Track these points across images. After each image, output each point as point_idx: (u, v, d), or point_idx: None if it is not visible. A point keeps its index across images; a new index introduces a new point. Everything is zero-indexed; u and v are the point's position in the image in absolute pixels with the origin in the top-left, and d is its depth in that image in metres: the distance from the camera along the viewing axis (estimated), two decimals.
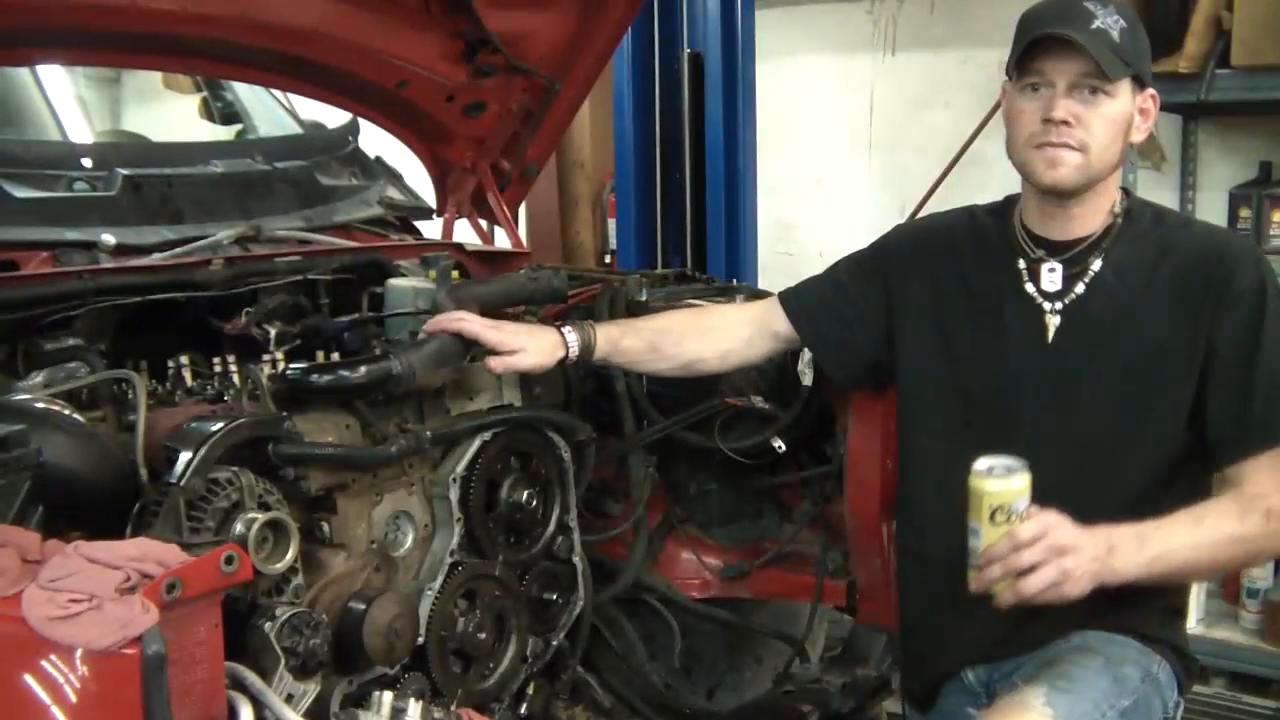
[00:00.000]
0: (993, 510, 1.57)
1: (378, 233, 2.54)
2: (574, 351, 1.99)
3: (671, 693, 2.52)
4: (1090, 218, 1.82)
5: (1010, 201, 1.94)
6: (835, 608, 2.44)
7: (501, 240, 2.81)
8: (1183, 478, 1.81)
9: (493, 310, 2.13)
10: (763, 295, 2.55)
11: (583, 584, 2.23)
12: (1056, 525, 1.58)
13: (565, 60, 2.58)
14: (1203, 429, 1.76)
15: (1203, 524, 1.67)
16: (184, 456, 1.50)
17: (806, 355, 2.22)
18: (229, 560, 1.27)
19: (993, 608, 1.81)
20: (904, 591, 2.08)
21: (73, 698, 1.13)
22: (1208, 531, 1.66)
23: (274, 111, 2.90)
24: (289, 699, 1.48)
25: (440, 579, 1.93)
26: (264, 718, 1.35)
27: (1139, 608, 1.81)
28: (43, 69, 2.57)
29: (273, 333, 1.92)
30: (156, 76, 4.74)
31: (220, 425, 1.56)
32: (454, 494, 1.96)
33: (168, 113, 4.91)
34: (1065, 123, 1.71)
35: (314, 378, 1.80)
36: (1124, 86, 1.74)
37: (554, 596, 2.19)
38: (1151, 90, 1.80)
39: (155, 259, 2.01)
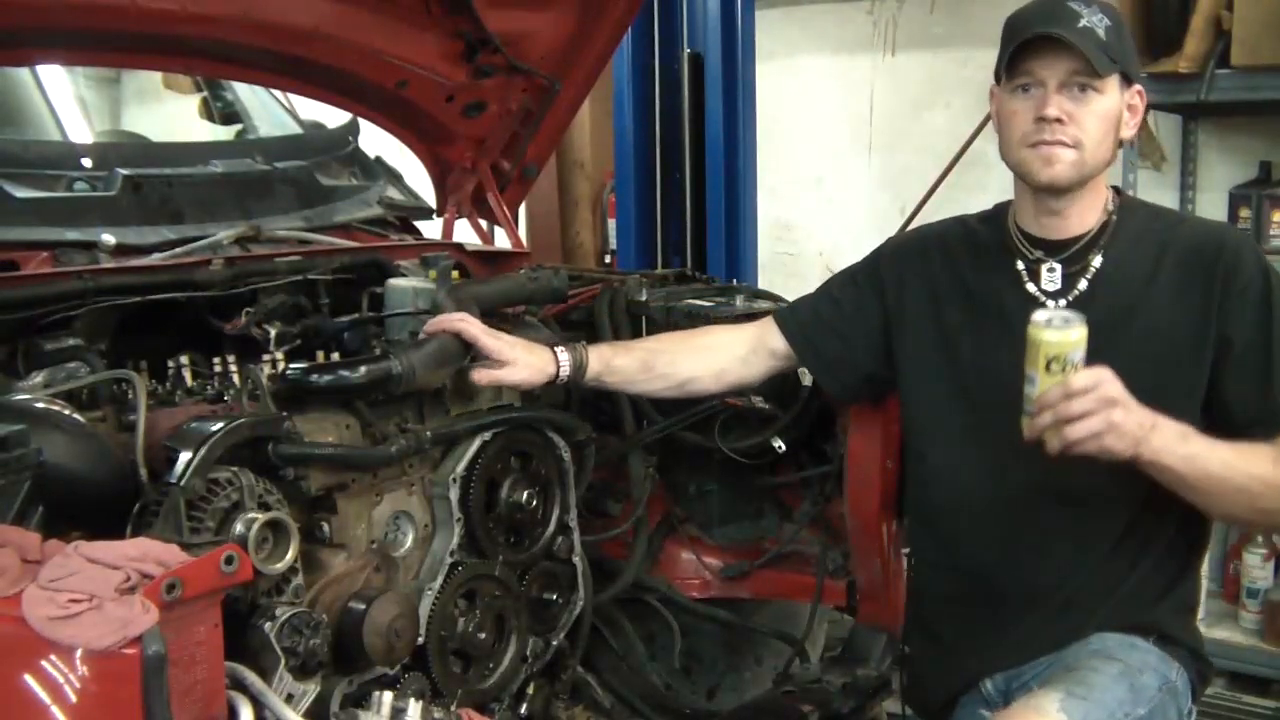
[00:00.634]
0: (1049, 360, 1.60)
1: (378, 233, 2.54)
2: (565, 371, 1.98)
3: (671, 693, 2.52)
4: (1085, 215, 1.83)
5: (1002, 208, 1.95)
6: (835, 608, 2.44)
7: (501, 240, 2.81)
8: None
9: (493, 310, 2.13)
10: (763, 294, 2.56)
11: (583, 584, 2.23)
12: (1109, 379, 1.59)
13: (565, 60, 2.58)
14: (1216, 417, 1.76)
15: (1240, 453, 1.68)
16: (184, 456, 1.50)
17: None
18: (229, 560, 1.27)
19: (1013, 612, 1.82)
20: (920, 603, 2.08)
21: (73, 698, 1.13)
22: (1243, 461, 1.67)
23: (274, 111, 2.90)
24: (289, 699, 1.48)
25: (440, 579, 1.93)
26: (264, 718, 1.36)
27: (1155, 604, 1.82)
28: (43, 69, 2.57)
29: (273, 333, 1.92)
30: (156, 76, 4.75)
31: (220, 425, 1.56)
32: (454, 494, 1.96)
33: (168, 113, 4.92)
34: (1058, 120, 1.73)
35: (314, 378, 1.80)
36: (1112, 83, 1.76)
37: (554, 596, 2.19)
38: (1138, 87, 1.82)
39: (155, 259, 2.01)
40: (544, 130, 2.73)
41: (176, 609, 1.19)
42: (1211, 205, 3.92)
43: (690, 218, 4.20)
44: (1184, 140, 4.03)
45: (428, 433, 1.90)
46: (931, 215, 3.75)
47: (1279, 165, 3.86)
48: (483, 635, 1.99)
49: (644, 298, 2.42)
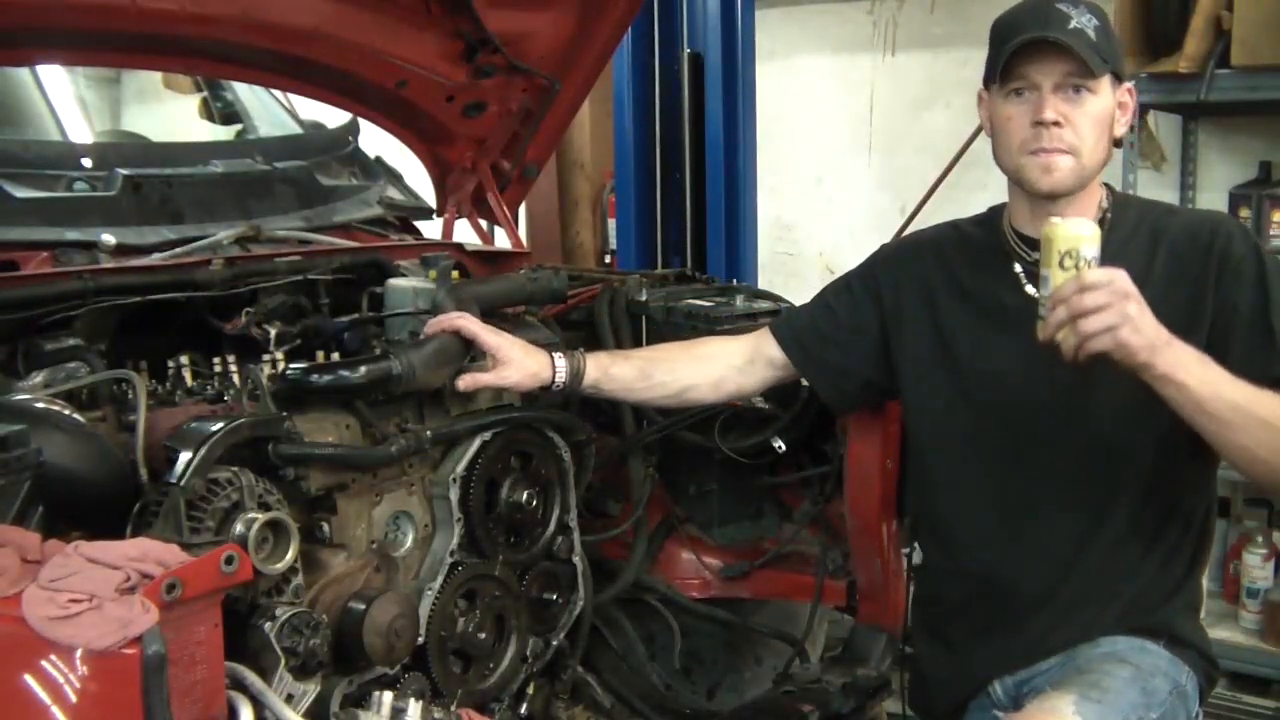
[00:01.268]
0: (1061, 255, 1.60)
1: (378, 233, 2.54)
2: (561, 378, 1.97)
3: (671, 693, 2.52)
4: (1082, 215, 1.83)
5: (996, 211, 1.95)
6: (835, 608, 2.44)
7: (501, 240, 2.81)
8: (1195, 464, 1.83)
9: (493, 310, 2.13)
10: (763, 294, 2.56)
11: (583, 584, 2.23)
12: (1124, 275, 1.58)
13: (565, 60, 2.58)
14: None
15: (1253, 391, 1.63)
16: (184, 456, 1.50)
17: None
18: (229, 560, 1.27)
19: (1020, 613, 1.81)
20: (926, 606, 2.08)
21: (73, 698, 1.13)
22: (1255, 396, 1.63)
23: (274, 111, 2.90)
24: (289, 699, 1.48)
25: (440, 579, 1.93)
26: (264, 718, 1.36)
27: (1163, 605, 1.82)
28: (43, 69, 2.57)
29: (273, 333, 1.92)
30: (156, 76, 4.75)
31: (220, 425, 1.56)
32: (454, 494, 1.96)
33: (168, 113, 4.92)
34: (1055, 123, 1.73)
35: (314, 378, 1.80)
36: (1105, 83, 1.76)
37: (554, 596, 2.19)
38: (1128, 85, 1.82)
39: (155, 259, 2.01)
40: (544, 130, 2.72)
41: (176, 609, 1.19)
42: (1211, 205, 3.91)
43: (690, 218, 4.20)
44: (1184, 140, 4.03)
45: (428, 433, 1.90)
46: (931, 215, 3.76)
47: (1279, 165, 3.86)
48: (483, 635, 1.99)
49: (644, 298, 2.42)
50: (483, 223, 2.86)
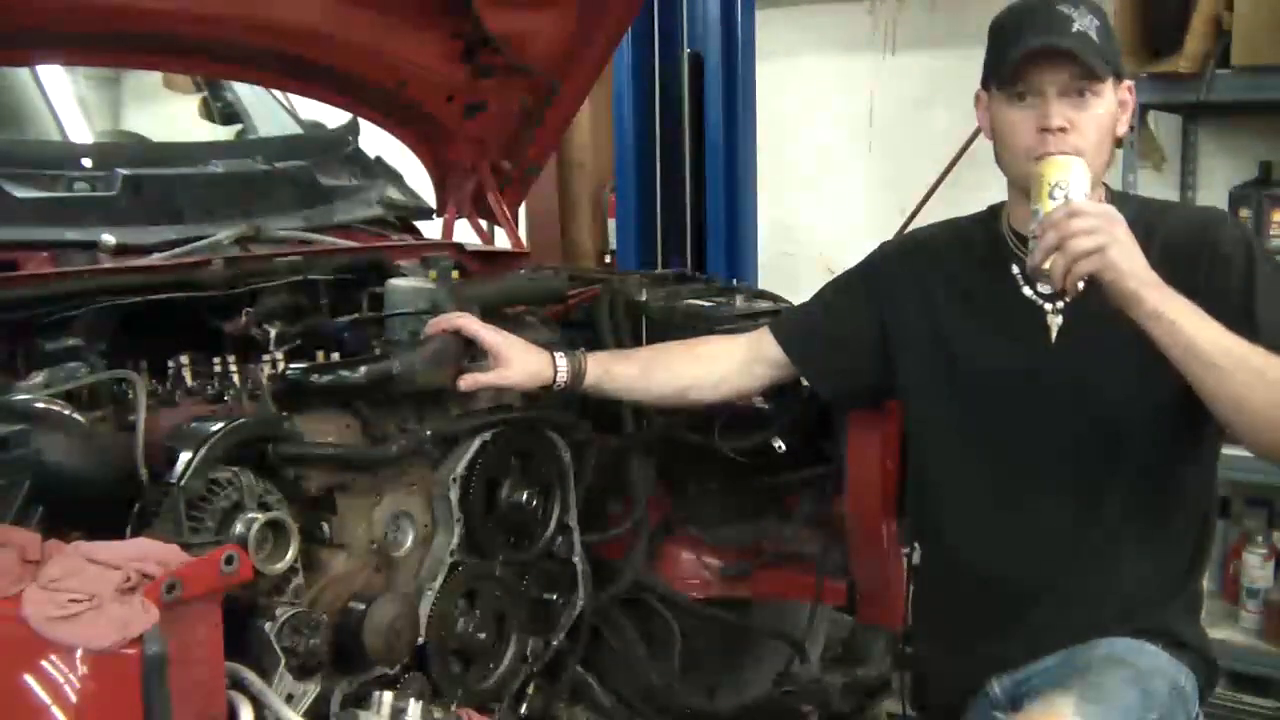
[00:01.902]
0: (1052, 187, 1.61)
1: (378, 233, 2.54)
2: (562, 378, 1.98)
3: (671, 693, 2.52)
4: None
5: (994, 210, 1.95)
6: (835, 608, 2.43)
7: (501, 240, 2.81)
8: (1194, 465, 1.83)
9: (493, 310, 2.13)
10: (763, 294, 2.56)
11: (583, 584, 2.23)
12: (1114, 209, 1.59)
13: (565, 60, 2.58)
14: None
15: (1246, 344, 1.61)
16: (184, 456, 1.50)
17: None
18: (229, 560, 1.27)
19: (1018, 610, 1.81)
20: (925, 605, 2.08)
21: (73, 698, 1.13)
22: (1249, 348, 1.60)
23: (274, 111, 2.90)
24: (289, 699, 1.49)
25: (440, 579, 1.93)
26: (264, 718, 1.36)
27: (1162, 606, 1.82)
28: (43, 69, 2.57)
29: (273, 333, 1.92)
30: (156, 76, 4.75)
31: (220, 425, 1.56)
32: (454, 494, 1.96)
33: (168, 113, 4.91)
34: (1061, 129, 1.72)
35: (314, 378, 1.80)
36: (1108, 84, 1.75)
37: (554, 596, 2.19)
38: (1128, 82, 1.81)
39: (155, 259, 2.01)
40: (544, 130, 2.72)
41: (176, 609, 1.19)
42: (1211, 205, 3.92)
43: (690, 218, 4.20)
44: (1184, 140, 4.03)
45: (428, 433, 1.90)
46: (931, 215, 3.76)
47: (1279, 165, 3.85)
48: (483, 635, 1.99)
49: (644, 298, 2.42)
50: (483, 223, 2.86)
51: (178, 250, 2.06)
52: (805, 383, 2.15)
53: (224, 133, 2.96)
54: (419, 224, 2.76)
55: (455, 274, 2.20)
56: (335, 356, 1.94)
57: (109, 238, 2.01)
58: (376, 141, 2.75)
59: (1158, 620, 1.82)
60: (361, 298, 2.09)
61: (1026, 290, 1.85)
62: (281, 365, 1.87)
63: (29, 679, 1.14)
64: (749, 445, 2.31)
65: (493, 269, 2.45)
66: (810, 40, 4.78)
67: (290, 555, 1.55)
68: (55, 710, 1.13)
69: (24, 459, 1.37)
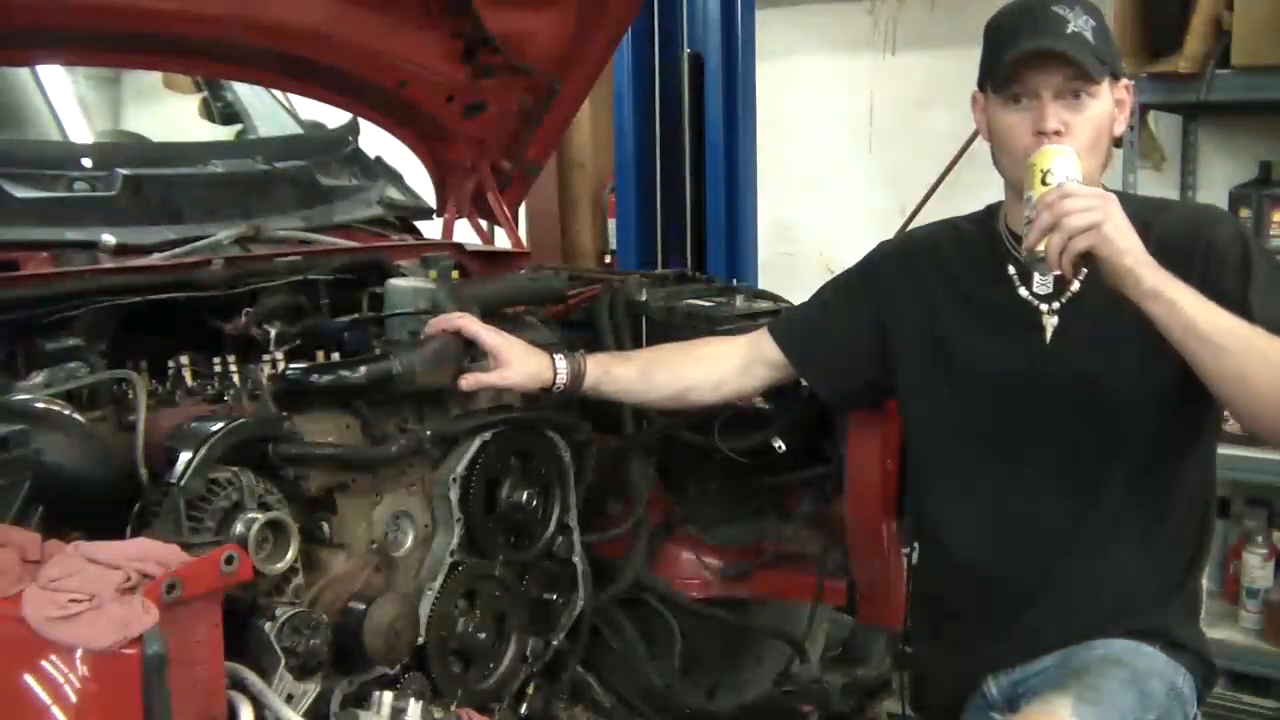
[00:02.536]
0: (1044, 172, 1.61)
1: (378, 233, 2.54)
2: (562, 379, 1.98)
3: (671, 693, 2.52)
4: None
5: (992, 210, 1.95)
6: (835, 608, 2.44)
7: (501, 240, 2.81)
8: (1193, 465, 1.83)
9: (493, 310, 2.13)
10: (763, 294, 2.56)
11: (583, 584, 2.23)
12: (1109, 194, 1.58)
13: (565, 60, 2.58)
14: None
15: (1248, 325, 1.60)
16: (184, 456, 1.50)
17: None
18: (229, 560, 1.27)
19: (1015, 610, 1.81)
20: (924, 604, 2.08)
21: (73, 698, 1.13)
22: (1250, 329, 1.59)
23: (274, 111, 2.90)
24: (289, 699, 1.49)
25: (440, 579, 1.93)
26: (264, 718, 1.36)
27: (1160, 607, 1.82)
28: (43, 69, 2.57)
29: (273, 333, 1.92)
30: (156, 76, 4.74)
31: (220, 425, 1.56)
32: (454, 494, 1.96)
33: (168, 113, 4.91)
34: (1057, 132, 1.71)
35: (314, 378, 1.80)
36: (1104, 84, 1.74)
37: (554, 596, 2.19)
38: (1125, 81, 1.80)
39: (155, 259, 2.01)
40: (544, 130, 2.72)
41: (176, 609, 1.19)
42: None
43: (690, 218, 4.20)
44: (1184, 140, 4.03)
45: (428, 433, 1.90)
46: (931, 215, 3.75)
47: (1279, 165, 3.85)
48: (483, 635, 1.99)
49: (644, 298, 2.42)
50: (483, 223, 2.86)
51: (178, 250, 2.06)
52: (805, 383, 2.15)
53: (224, 133, 2.96)
54: (419, 224, 2.76)
55: (455, 274, 2.20)
56: (335, 356, 1.94)
57: (109, 238, 2.01)
58: (376, 141, 2.75)
59: (1155, 621, 1.82)
60: (361, 298, 2.09)
61: (1022, 291, 1.85)
62: (281, 365, 1.87)
63: (29, 679, 1.14)
64: (749, 445, 2.31)
65: (493, 269, 2.45)
66: (810, 40, 4.78)
67: (290, 555, 1.55)
68: (55, 710, 1.13)
69: (24, 459, 1.37)
